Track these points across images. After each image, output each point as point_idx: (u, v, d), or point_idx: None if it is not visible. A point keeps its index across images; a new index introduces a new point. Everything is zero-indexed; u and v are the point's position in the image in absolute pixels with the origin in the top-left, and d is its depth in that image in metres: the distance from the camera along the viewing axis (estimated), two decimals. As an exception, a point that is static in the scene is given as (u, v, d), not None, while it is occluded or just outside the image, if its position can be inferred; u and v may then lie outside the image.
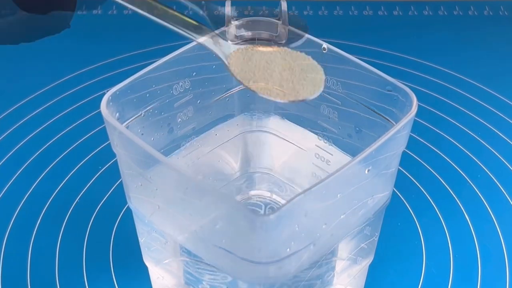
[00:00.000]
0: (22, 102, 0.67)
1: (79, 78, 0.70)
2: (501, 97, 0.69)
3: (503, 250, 0.54)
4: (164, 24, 0.39)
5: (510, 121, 0.66)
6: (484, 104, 0.68)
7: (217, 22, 0.42)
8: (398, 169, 0.44)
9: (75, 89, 0.68)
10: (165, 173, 0.39)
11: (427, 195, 0.59)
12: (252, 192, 0.53)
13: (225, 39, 0.41)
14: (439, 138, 0.64)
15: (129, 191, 0.43)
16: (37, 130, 0.64)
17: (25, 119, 0.65)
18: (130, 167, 0.41)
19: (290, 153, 0.51)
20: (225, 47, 0.40)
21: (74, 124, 0.64)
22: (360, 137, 0.45)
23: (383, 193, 0.43)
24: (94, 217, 0.56)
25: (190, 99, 0.46)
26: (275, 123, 0.51)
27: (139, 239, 0.46)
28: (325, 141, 0.48)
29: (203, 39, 0.40)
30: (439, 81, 0.71)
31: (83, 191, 0.58)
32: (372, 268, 0.49)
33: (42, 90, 0.68)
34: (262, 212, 0.52)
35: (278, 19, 0.46)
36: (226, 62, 0.40)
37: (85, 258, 0.53)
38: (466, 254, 0.54)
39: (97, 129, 0.63)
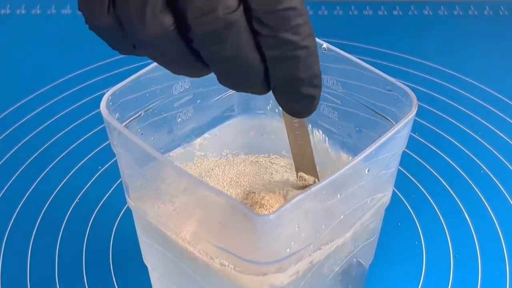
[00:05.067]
0: (22, 102, 0.67)
1: (79, 78, 0.70)
2: (501, 97, 0.69)
3: (503, 250, 0.54)
4: None
5: (510, 121, 0.66)
6: (484, 104, 0.68)
7: None
8: (398, 169, 0.44)
9: (75, 89, 0.68)
10: (165, 173, 0.39)
11: (427, 195, 0.59)
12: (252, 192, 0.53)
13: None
14: (439, 138, 0.64)
15: (129, 191, 0.43)
16: (37, 130, 0.64)
17: (25, 119, 0.65)
18: (130, 167, 0.41)
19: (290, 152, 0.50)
20: None
21: (74, 124, 0.64)
22: (360, 137, 0.45)
23: (383, 193, 0.43)
24: (94, 217, 0.56)
25: (190, 99, 0.46)
26: (275, 122, 0.50)
27: (139, 239, 0.46)
28: (325, 141, 0.48)
29: None
30: (439, 81, 0.71)
31: (83, 191, 0.58)
32: (372, 268, 0.49)
33: (42, 90, 0.68)
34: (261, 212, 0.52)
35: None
36: None
37: (85, 258, 0.53)
38: (466, 254, 0.54)
39: (97, 129, 0.63)
